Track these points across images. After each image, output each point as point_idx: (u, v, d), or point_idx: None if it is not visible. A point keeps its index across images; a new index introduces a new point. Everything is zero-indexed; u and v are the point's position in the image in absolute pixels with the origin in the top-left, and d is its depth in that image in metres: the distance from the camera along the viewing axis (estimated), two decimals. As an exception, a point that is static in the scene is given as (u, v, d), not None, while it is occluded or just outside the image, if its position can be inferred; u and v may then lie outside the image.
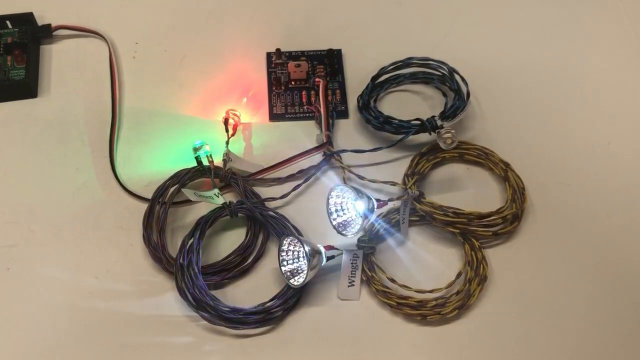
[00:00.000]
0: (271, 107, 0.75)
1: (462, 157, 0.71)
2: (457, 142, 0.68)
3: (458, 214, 0.65)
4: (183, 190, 0.66)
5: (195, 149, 0.68)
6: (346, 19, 0.83)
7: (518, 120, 0.75)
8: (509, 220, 0.67)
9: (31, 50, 0.77)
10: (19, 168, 0.71)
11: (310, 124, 0.74)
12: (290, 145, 0.72)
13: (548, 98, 0.76)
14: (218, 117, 0.73)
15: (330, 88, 0.76)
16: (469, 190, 0.70)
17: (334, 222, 0.63)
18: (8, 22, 0.78)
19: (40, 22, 0.79)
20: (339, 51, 0.79)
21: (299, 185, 0.69)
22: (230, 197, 0.69)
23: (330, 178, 0.71)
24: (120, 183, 0.69)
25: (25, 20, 0.78)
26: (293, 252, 0.63)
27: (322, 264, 0.62)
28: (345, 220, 0.63)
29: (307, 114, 0.75)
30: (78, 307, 0.63)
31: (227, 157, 0.68)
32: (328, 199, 0.63)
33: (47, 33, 0.79)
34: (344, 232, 0.63)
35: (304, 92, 0.76)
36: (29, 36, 0.77)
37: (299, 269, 0.63)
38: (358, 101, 0.74)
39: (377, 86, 0.75)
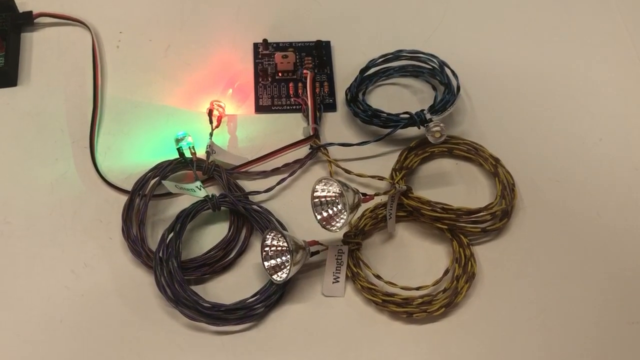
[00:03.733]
0: (257, 98, 0.73)
1: (452, 152, 0.70)
2: (446, 136, 0.67)
3: (446, 210, 0.64)
4: (164, 182, 0.65)
5: (178, 140, 0.67)
6: (336, 10, 0.81)
7: (509, 116, 0.73)
8: (498, 217, 0.65)
9: (11, 38, 0.75)
10: (-4, 158, 0.69)
11: (297, 117, 0.73)
12: (276, 138, 0.71)
13: (539, 93, 0.75)
14: (202, 109, 0.71)
15: (318, 80, 0.75)
16: (458, 186, 0.69)
17: (319, 217, 0.62)
18: (-12, 9, 0.76)
19: (21, 9, 0.77)
20: (328, 43, 0.77)
21: (284, 179, 0.67)
22: (213, 190, 0.67)
23: (316, 172, 0.69)
24: (101, 174, 0.68)
25: (5, 6, 0.76)
26: (276, 247, 0.61)
27: (307, 260, 0.61)
28: (330, 215, 0.62)
29: (294, 107, 0.73)
30: (54, 301, 0.61)
31: (211, 149, 0.67)
32: (313, 192, 0.61)
33: (28, 20, 0.77)
34: (328, 227, 0.61)
35: (291, 84, 0.74)
36: (9, 23, 0.75)
37: (283, 264, 0.61)
38: (346, 94, 0.72)
39: (366, 79, 0.73)
